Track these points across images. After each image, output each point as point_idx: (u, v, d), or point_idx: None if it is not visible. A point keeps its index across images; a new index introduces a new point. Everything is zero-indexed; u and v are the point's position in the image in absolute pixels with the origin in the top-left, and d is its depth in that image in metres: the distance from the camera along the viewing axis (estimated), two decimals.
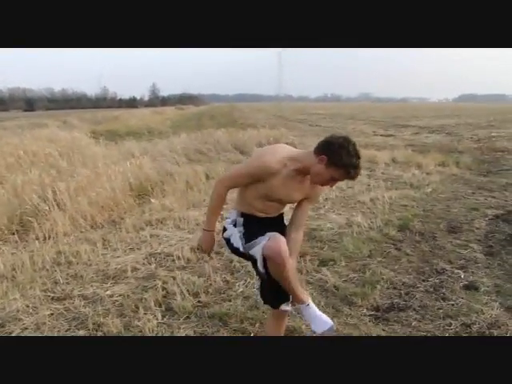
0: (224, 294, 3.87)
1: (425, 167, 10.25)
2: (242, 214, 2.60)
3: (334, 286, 3.98)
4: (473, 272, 4.29)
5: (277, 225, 2.64)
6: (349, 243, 4.92)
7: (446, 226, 5.77)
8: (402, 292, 3.91)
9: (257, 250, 2.41)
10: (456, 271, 4.31)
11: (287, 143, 12.10)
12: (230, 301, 3.71)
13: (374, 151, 12.40)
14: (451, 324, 3.36)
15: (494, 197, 7.54)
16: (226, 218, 2.69)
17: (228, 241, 2.64)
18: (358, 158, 2.32)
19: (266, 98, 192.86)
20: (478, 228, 5.68)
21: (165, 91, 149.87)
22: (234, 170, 2.75)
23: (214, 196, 2.55)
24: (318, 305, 3.56)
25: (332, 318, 2.67)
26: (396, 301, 3.73)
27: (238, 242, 2.55)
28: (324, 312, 2.69)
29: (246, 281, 4.08)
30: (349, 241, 5.00)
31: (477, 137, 19.19)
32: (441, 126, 25.65)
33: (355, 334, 3.20)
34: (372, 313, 3.56)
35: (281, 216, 2.76)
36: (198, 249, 4.56)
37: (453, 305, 3.65)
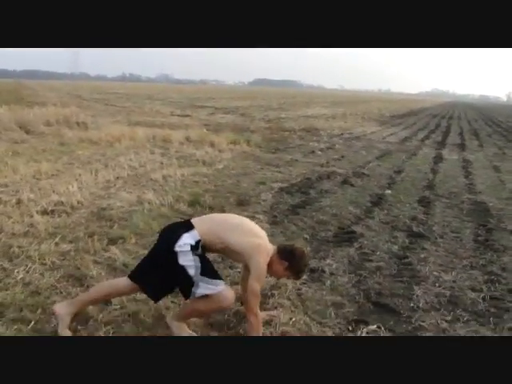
0: (0, 283, 3.55)
1: (218, 145, 10.79)
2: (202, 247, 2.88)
3: (124, 264, 3.96)
4: None
5: None
6: (139, 220, 4.94)
7: (235, 199, 6.20)
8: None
9: (211, 288, 2.80)
10: None
11: (77, 122, 11.31)
12: (6, 290, 3.42)
13: (169, 131, 12.57)
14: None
15: (280, 172, 8.41)
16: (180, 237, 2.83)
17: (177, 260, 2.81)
18: (308, 265, 3.37)
19: (60, 75, 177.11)
20: (264, 200, 6.25)
21: None
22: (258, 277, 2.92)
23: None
24: None
25: None
26: None
27: (192, 269, 2.80)
28: None
29: (27, 266, 3.80)
30: (139, 218, 5.02)
31: (268, 118, 20.88)
32: (236, 108, 27.15)
33: (145, 309, 3.24)
34: None
35: None
36: None
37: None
